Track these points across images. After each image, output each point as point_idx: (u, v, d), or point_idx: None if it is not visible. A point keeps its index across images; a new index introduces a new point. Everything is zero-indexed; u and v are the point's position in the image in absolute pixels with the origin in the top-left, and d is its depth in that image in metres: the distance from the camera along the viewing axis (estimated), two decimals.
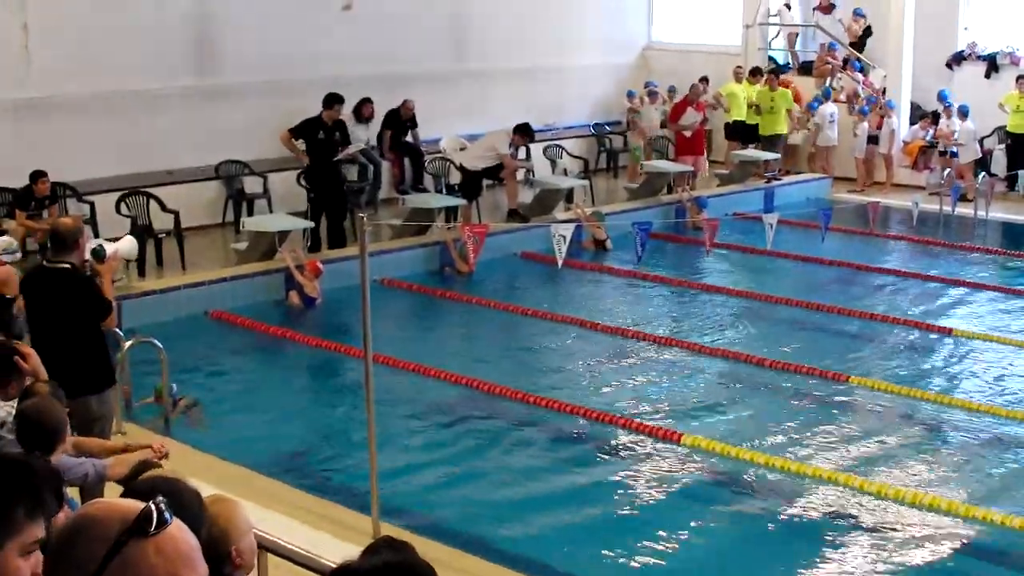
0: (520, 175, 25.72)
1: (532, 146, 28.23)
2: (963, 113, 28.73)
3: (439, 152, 27.41)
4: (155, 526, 3.13)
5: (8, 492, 4.01)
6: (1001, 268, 23.56)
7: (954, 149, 28.83)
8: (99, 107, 22.95)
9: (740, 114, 30.24)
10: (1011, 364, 17.75)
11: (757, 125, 29.91)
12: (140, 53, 23.59)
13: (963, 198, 26.21)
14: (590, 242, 23.44)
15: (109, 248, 11.85)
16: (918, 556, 11.85)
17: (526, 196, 25.42)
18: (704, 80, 30.77)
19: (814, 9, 32.41)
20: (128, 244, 12.76)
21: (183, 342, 16.21)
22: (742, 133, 30.28)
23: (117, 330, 13.11)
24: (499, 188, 25.38)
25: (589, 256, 23.06)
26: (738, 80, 30.36)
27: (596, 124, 31.40)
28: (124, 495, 3.40)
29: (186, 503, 4.74)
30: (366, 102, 25.96)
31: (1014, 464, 14.24)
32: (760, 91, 29.91)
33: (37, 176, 19.98)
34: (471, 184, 24.29)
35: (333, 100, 21.87)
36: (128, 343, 14.20)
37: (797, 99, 31.19)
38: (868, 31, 31.88)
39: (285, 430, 15.12)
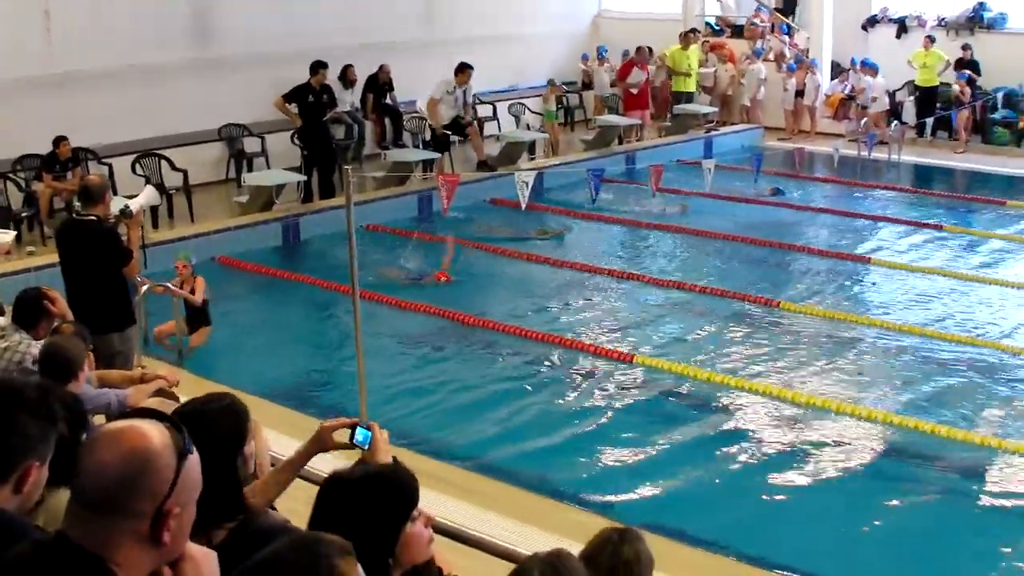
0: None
1: (498, 105, 28.36)
2: (872, 69, 29.02)
3: (416, 112, 27.36)
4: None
5: (45, 412, 4.06)
6: (911, 204, 23.68)
7: (866, 103, 29.07)
8: (113, 80, 22.82)
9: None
10: (921, 288, 17.91)
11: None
12: (149, 31, 23.52)
13: (880, 143, 26.36)
14: None
15: (134, 205, 11.89)
16: (841, 456, 12.02)
17: (493, 149, 25.44)
18: (646, 49, 30.69)
19: None
20: (148, 195, 12.76)
21: None
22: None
23: (138, 277, 13.10)
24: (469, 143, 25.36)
25: (548, 200, 22.97)
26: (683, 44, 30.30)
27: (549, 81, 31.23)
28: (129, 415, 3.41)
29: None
30: (349, 67, 25.90)
31: (923, 375, 14.36)
32: (674, 51, 29.92)
33: (59, 140, 19.97)
34: (440, 139, 24.30)
35: (318, 66, 21.93)
36: (144, 287, 14.20)
37: (731, 59, 31.37)
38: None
39: (285, 359, 15.17)
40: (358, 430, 5.50)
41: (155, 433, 3.23)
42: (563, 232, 21.08)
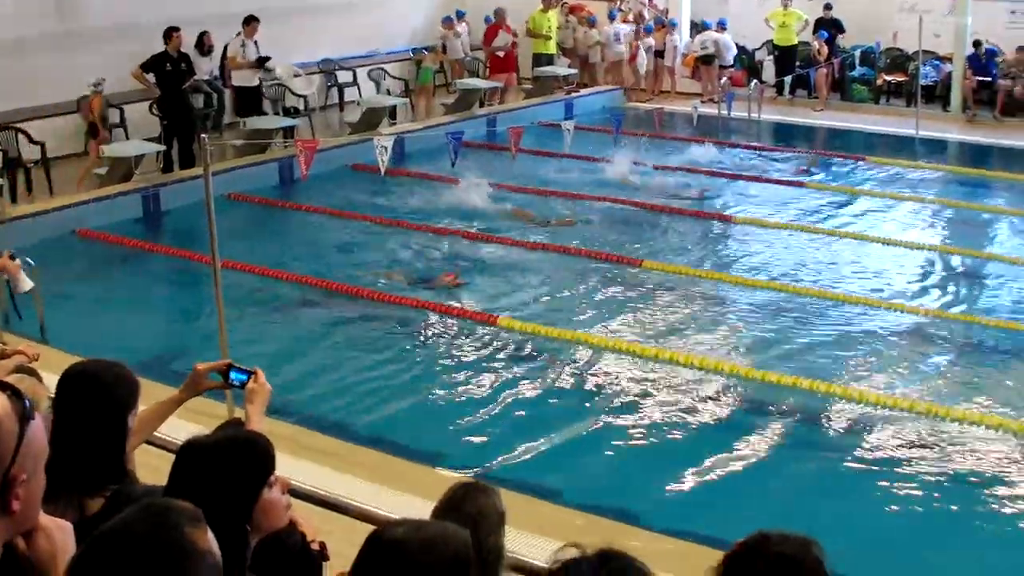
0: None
1: (358, 70, 28.34)
2: (720, 26, 29.68)
3: (275, 79, 27.13)
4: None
5: None
6: (770, 162, 24.05)
7: (725, 61, 29.49)
8: None
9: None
10: (779, 245, 18.29)
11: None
12: (5, 3, 23.23)
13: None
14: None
15: None
16: (703, 410, 12.32)
17: (354, 114, 25.42)
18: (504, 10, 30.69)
19: None
20: None
21: (55, 258, 16.09)
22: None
23: None
24: (331, 109, 25.23)
25: (411, 164, 22.98)
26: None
27: (414, 48, 31.17)
28: None
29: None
30: (205, 34, 25.46)
31: (782, 329, 14.71)
32: (534, 14, 30.02)
33: None
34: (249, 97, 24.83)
35: (170, 31, 21.80)
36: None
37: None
38: None
39: (148, 331, 15.05)
40: (232, 372, 5.59)
41: None
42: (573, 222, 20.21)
